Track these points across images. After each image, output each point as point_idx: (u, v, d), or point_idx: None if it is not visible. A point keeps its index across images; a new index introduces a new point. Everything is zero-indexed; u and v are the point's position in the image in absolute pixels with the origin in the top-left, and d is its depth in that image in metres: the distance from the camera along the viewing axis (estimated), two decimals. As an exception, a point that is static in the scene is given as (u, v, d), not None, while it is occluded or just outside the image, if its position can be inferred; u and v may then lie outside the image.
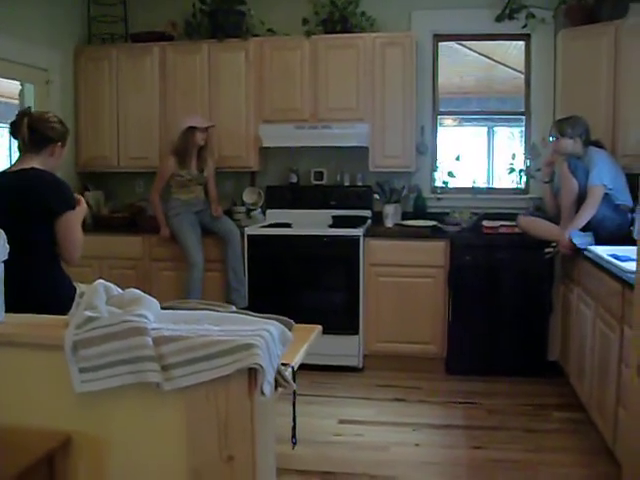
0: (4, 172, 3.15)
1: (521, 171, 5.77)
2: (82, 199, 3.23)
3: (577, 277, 4.47)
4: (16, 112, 3.20)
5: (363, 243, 5.18)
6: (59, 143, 3.17)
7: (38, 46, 5.30)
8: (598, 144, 4.64)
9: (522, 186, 5.80)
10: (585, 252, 4.22)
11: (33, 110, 3.31)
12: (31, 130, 3.09)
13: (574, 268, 4.55)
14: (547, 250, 4.75)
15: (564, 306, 4.86)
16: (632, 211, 4.37)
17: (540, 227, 4.78)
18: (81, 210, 3.18)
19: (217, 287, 5.34)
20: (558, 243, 4.57)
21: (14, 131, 3.14)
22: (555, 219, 4.76)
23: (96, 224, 5.65)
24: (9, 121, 3.16)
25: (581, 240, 4.34)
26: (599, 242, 4.31)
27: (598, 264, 3.88)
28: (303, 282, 5.25)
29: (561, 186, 4.66)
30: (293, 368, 2.27)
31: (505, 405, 4.55)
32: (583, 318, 4.23)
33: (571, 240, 4.37)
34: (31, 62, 5.24)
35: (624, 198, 4.46)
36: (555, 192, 4.88)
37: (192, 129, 5.26)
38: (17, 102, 5.21)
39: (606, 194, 4.41)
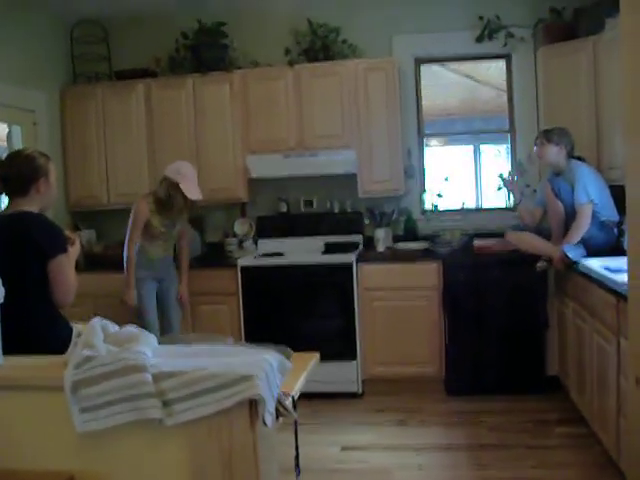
0: None
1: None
2: (76, 239, 3.14)
3: (571, 291, 4.49)
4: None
5: (356, 268, 5.19)
6: (42, 179, 2.98)
7: (24, 87, 5.33)
8: (580, 159, 4.68)
9: (510, 203, 5.83)
10: (578, 266, 4.24)
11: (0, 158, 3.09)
12: (5, 181, 2.98)
13: (568, 283, 4.57)
14: (538, 265, 4.76)
15: (560, 321, 4.87)
16: (620, 224, 4.40)
17: (531, 244, 4.76)
18: (75, 250, 3.09)
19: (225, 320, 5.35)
20: (552, 259, 4.58)
21: None
22: (537, 230, 4.79)
23: (89, 262, 5.63)
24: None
25: (574, 252, 4.36)
26: (588, 255, 4.34)
27: (591, 277, 3.90)
28: (298, 310, 5.24)
29: (547, 207, 4.73)
30: (293, 397, 2.27)
31: (506, 423, 4.54)
32: (579, 332, 4.24)
33: (566, 254, 4.38)
34: (17, 104, 5.27)
35: (609, 213, 4.47)
36: (538, 206, 4.92)
37: (179, 187, 4.64)
38: (5, 145, 5.21)
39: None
